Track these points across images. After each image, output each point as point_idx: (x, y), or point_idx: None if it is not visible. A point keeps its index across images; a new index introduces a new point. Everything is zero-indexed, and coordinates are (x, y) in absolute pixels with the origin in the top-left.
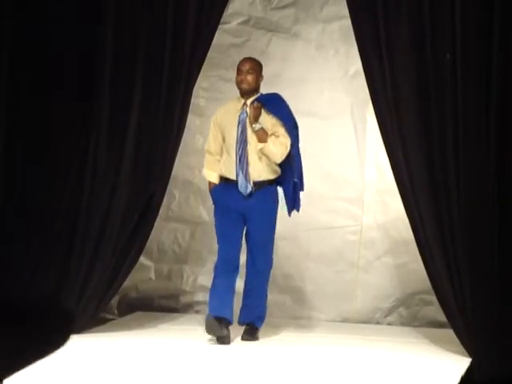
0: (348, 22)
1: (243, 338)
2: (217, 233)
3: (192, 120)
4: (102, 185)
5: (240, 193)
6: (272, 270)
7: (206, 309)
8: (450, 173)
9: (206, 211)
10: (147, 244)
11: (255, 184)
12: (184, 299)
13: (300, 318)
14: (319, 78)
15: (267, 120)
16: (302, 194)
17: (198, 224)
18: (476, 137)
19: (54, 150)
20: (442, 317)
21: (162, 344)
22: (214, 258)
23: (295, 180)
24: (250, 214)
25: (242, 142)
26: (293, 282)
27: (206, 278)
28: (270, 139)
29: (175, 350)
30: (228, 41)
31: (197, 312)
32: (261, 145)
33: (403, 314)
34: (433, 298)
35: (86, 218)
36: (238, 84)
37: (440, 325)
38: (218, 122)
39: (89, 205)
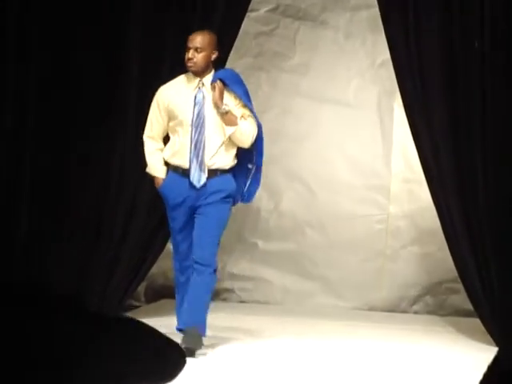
0: (376, 10)
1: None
2: (172, 235)
3: None
4: (129, 173)
5: (192, 184)
6: (299, 258)
7: (233, 296)
8: (478, 162)
9: None
10: None
11: (209, 173)
12: None
13: (326, 306)
14: (347, 67)
15: (229, 100)
16: (314, 182)
17: None
18: (504, 126)
19: (83, 142)
20: (468, 305)
21: None
22: (242, 246)
23: (249, 166)
24: (198, 204)
25: (199, 126)
26: (319, 270)
27: (233, 266)
28: (240, 122)
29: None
30: (256, 29)
31: (224, 300)
32: (231, 129)
33: (429, 303)
34: (459, 286)
35: (114, 206)
36: (186, 63)
37: (466, 314)
38: (165, 103)
39: (117, 192)
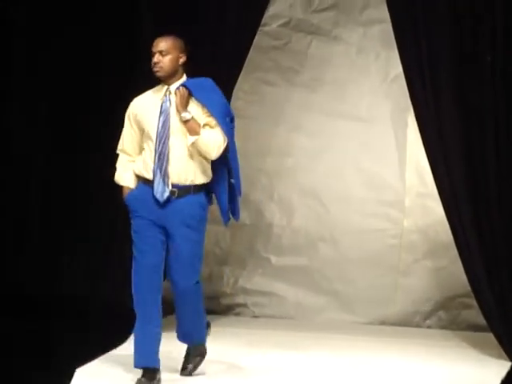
0: (389, 26)
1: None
2: (134, 248)
3: None
4: None
5: (158, 201)
6: (312, 273)
7: (246, 311)
8: (491, 177)
9: (247, 214)
10: None
11: (176, 188)
12: (224, 301)
13: (339, 320)
14: (359, 82)
15: (196, 109)
16: (327, 197)
17: (238, 226)
18: None
19: (98, 144)
20: (481, 320)
21: None
22: (255, 260)
23: (232, 181)
24: (168, 226)
25: (164, 137)
26: (332, 285)
27: (246, 281)
28: (204, 131)
29: (214, 352)
30: (268, 43)
31: (237, 314)
32: (192, 138)
33: (443, 317)
34: (472, 301)
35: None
36: (152, 69)
37: (480, 328)
38: (134, 114)
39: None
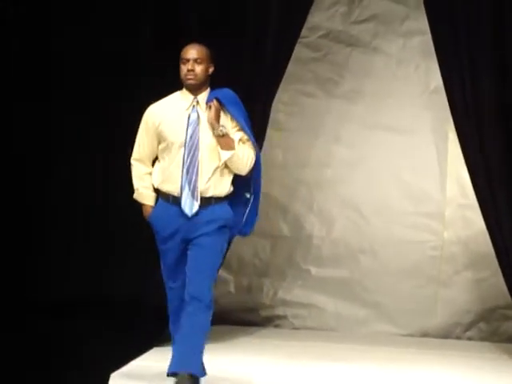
0: (429, 37)
1: None
2: (163, 271)
3: (271, 134)
4: None
5: (183, 213)
6: (352, 284)
7: (286, 323)
8: None
9: (286, 225)
10: (227, 258)
11: (202, 201)
12: (264, 313)
13: (380, 332)
14: (399, 93)
15: (226, 122)
16: (367, 208)
17: (278, 238)
18: None
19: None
20: None
21: (240, 358)
22: (295, 272)
23: (247, 196)
24: (191, 236)
25: (193, 149)
26: (372, 297)
27: (286, 292)
28: (238, 146)
29: (254, 364)
30: (307, 54)
31: (276, 326)
32: (228, 153)
33: (483, 329)
34: None
35: None
36: (184, 77)
37: None
38: (155, 123)
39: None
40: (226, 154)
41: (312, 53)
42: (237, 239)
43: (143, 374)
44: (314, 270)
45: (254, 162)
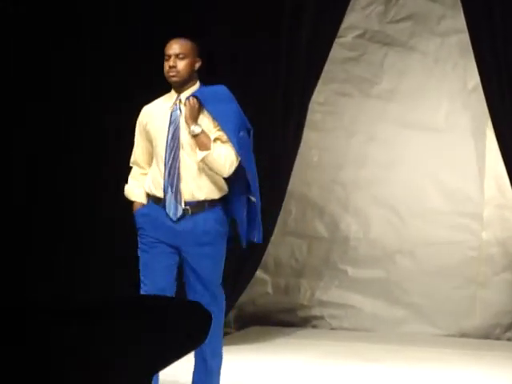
0: (467, 36)
1: None
2: (140, 272)
3: (307, 135)
4: None
5: (171, 219)
6: (389, 285)
7: (323, 323)
8: None
9: (323, 226)
10: (264, 258)
11: (189, 205)
12: (301, 313)
13: (418, 333)
14: (436, 92)
15: (207, 122)
16: (404, 208)
17: (314, 238)
18: None
19: None
20: None
21: (277, 359)
22: (332, 272)
23: (252, 198)
24: (182, 246)
25: (174, 149)
26: (410, 298)
27: (323, 293)
28: (215, 145)
29: (291, 364)
30: (343, 54)
31: (314, 326)
32: (202, 153)
33: None
34: None
35: None
36: (166, 74)
37: None
38: (144, 123)
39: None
40: (200, 154)
41: (348, 53)
42: (273, 240)
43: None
44: (350, 271)
45: (235, 162)
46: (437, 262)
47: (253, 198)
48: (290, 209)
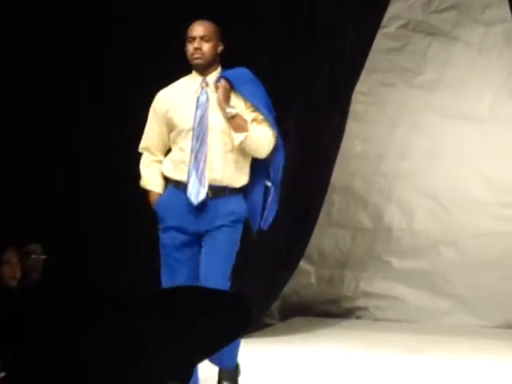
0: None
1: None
2: (162, 268)
3: (350, 125)
4: None
5: (192, 204)
6: (434, 276)
7: (367, 314)
8: None
9: (366, 217)
10: (308, 249)
11: (210, 189)
12: (345, 304)
13: (463, 324)
14: (480, 82)
15: (238, 104)
16: (448, 199)
17: (358, 229)
18: None
19: None
20: None
21: (321, 349)
22: (376, 263)
23: (268, 184)
24: (203, 228)
25: (201, 133)
26: (455, 289)
27: (367, 284)
28: (252, 127)
29: (335, 355)
30: (387, 45)
31: (358, 317)
32: (240, 135)
33: None
34: None
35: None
36: (190, 56)
37: None
38: (164, 109)
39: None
40: (238, 137)
41: (391, 43)
42: (317, 231)
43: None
44: (394, 262)
45: (273, 142)
46: (481, 253)
47: (268, 183)
48: (334, 200)
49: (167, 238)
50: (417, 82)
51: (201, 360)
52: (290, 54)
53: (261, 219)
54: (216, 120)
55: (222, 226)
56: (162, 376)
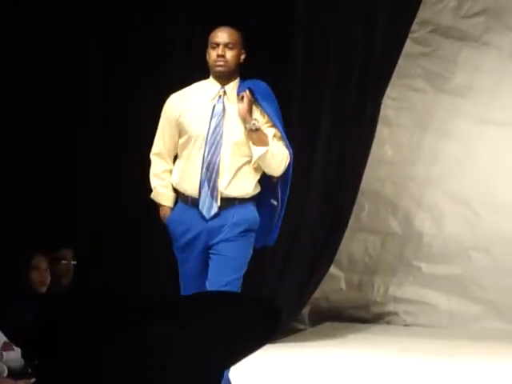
0: None
1: None
2: (181, 282)
3: (380, 130)
4: (293, 196)
5: (203, 216)
6: (465, 281)
7: (397, 319)
8: None
9: (396, 222)
10: (337, 254)
11: (223, 201)
12: (375, 309)
13: (494, 330)
14: (511, 87)
15: (258, 117)
16: (479, 204)
17: (388, 234)
18: None
19: None
20: None
21: (351, 355)
22: (406, 269)
23: (274, 203)
24: (212, 237)
25: (215, 144)
26: (486, 294)
27: (397, 289)
28: (273, 142)
29: (365, 360)
30: (417, 50)
31: (388, 323)
32: (260, 149)
33: None
34: None
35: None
36: (213, 63)
37: None
38: (176, 115)
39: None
40: (259, 151)
41: (421, 48)
42: (346, 236)
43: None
44: (424, 267)
45: (288, 161)
46: None
47: (274, 202)
48: (363, 205)
49: (181, 254)
50: (447, 87)
51: (229, 366)
52: (322, 61)
53: (266, 237)
54: (230, 132)
55: (230, 237)
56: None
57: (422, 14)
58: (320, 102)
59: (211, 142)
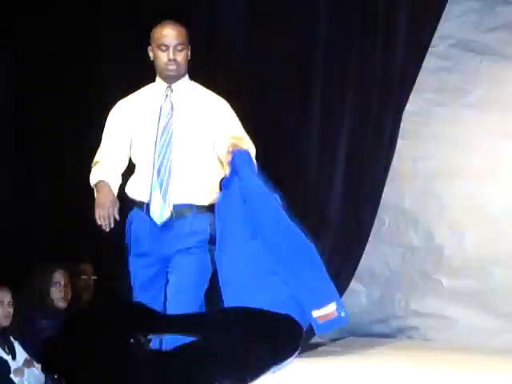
0: None
1: None
2: (133, 283)
3: (401, 144)
4: (313, 210)
5: (153, 222)
6: (486, 296)
7: (418, 334)
8: None
9: (416, 236)
10: (358, 269)
11: (174, 208)
12: (396, 324)
13: None
14: None
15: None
16: (500, 219)
17: (408, 249)
18: None
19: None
20: None
21: (372, 370)
22: (427, 283)
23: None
24: (168, 251)
25: (165, 146)
26: (507, 309)
27: (417, 303)
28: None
29: (386, 375)
30: (437, 64)
31: (409, 337)
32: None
33: None
34: None
35: None
36: (164, 66)
37: None
38: (122, 119)
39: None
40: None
41: (441, 62)
42: (367, 250)
43: None
44: (445, 281)
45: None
46: None
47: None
48: (384, 219)
49: (137, 265)
50: (467, 101)
51: (253, 380)
52: (341, 75)
53: None
54: (181, 131)
55: (188, 248)
56: None
57: (443, 27)
58: (340, 116)
59: (161, 143)
